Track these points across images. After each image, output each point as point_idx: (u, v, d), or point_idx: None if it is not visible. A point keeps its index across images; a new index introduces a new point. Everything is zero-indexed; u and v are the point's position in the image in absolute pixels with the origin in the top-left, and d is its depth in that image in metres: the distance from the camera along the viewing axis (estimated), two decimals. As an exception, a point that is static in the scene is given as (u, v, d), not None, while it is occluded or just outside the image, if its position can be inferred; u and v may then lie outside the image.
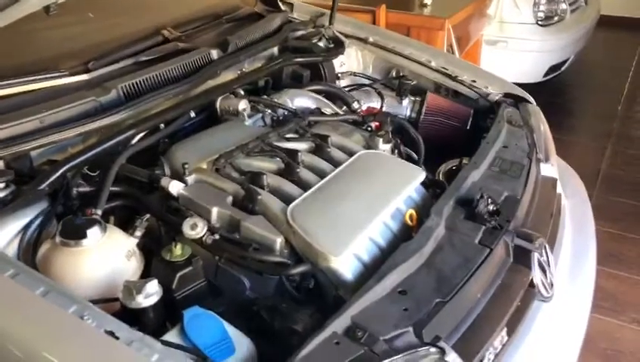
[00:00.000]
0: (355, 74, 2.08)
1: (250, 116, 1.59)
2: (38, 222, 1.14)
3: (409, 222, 1.30)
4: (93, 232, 1.08)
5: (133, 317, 0.99)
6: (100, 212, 1.16)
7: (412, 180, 1.39)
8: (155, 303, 1.01)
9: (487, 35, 3.53)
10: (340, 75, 2.06)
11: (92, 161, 1.28)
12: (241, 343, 1.00)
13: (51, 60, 1.49)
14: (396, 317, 1.05)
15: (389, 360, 0.96)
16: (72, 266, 1.07)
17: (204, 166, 1.33)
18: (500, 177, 1.50)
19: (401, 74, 2.07)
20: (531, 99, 1.94)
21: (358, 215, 1.24)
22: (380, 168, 1.42)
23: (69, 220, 1.11)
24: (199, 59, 1.68)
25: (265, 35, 1.95)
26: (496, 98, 1.90)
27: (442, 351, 1.02)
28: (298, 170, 1.33)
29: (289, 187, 1.29)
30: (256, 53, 1.85)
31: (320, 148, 1.45)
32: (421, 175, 1.42)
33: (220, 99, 1.61)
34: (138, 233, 1.15)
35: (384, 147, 1.54)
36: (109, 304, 1.01)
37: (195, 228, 1.15)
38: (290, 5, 2.29)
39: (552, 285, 1.34)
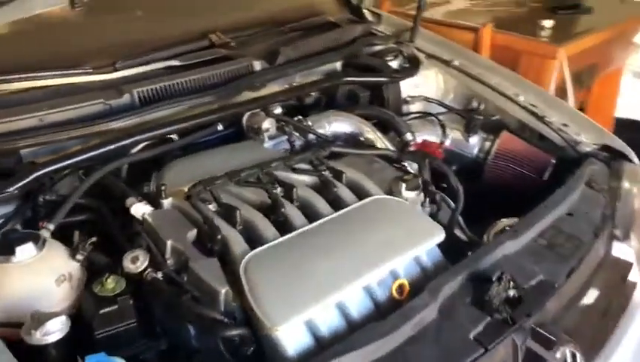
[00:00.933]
0: (427, 99, 1.84)
1: (272, 137, 1.44)
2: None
3: (396, 295, 1.07)
4: (24, 249, 1.00)
5: (34, 352, 0.90)
6: (51, 226, 1.08)
7: (423, 241, 1.16)
8: (56, 341, 0.91)
9: (635, 66, 3.03)
10: (409, 98, 1.84)
11: (77, 168, 1.22)
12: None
13: (83, 56, 1.45)
14: None
15: None
16: (14, 277, 1.01)
17: (186, 190, 1.20)
18: (543, 253, 1.21)
19: (481, 106, 1.80)
20: (634, 157, 1.58)
21: (333, 276, 1.04)
22: (388, 220, 1.20)
23: (5, 233, 1.04)
24: (237, 70, 1.56)
25: (330, 48, 1.79)
26: (587, 149, 1.58)
27: None
28: (284, 209, 1.16)
29: (264, 228, 1.12)
30: (310, 68, 1.69)
31: (326, 185, 1.26)
32: (439, 235, 1.18)
33: (247, 114, 1.47)
34: (79, 256, 1.05)
35: (408, 194, 1.30)
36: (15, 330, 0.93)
37: (135, 262, 1.02)
38: (378, 16, 2.10)
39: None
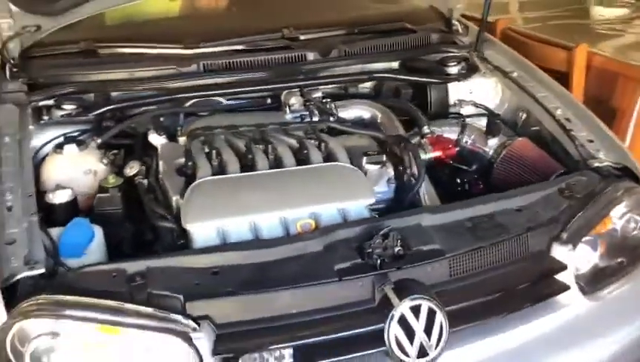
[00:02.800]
0: (475, 104, 1.97)
1: (294, 111, 1.76)
2: (62, 136, 1.62)
3: (299, 229, 1.33)
4: (70, 148, 1.52)
5: (50, 207, 1.39)
6: (98, 140, 1.57)
7: (350, 199, 1.39)
8: (61, 203, 1.39)
9: None
10: (456, 101, 1.98)
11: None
12: (98, 235, 1.33)
13: (182, 36, 1.94)
14: (186, 284, 1.17)
15: (139, 309, 1.12)
16: (49, 163, 1.54)
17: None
18: (458, 231, 1.34)
19: (523, 116, 1.88)
20: None
21: (256, 204, 1.35)
22: (333, 180, 1.46)
23: (67, 137, 1.57)
24: (290, 57, 1.91)
25: (391, 50, 2.04)
26: (598, 165, 1.59)
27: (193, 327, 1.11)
28: (251, 155, 1.49)
29: (231, 166, 1.46)
30: (361, 63, 1.96)
31: (301, 147, 1.55)
32: (367, 199, 1.40)
33: (285, 92, 1.82)
34: (105, 160, 1.53)
35: (368, 166, 1.53)
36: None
37: (130, 169, 1.47)
38: (466, 28, 2.25)
39: (424, 353, 1.19)
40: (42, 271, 1.17)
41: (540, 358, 1.30)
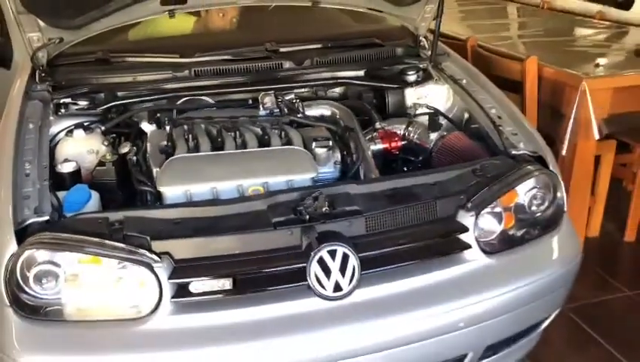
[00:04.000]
0: (427, 106, 2.28)
1: (267, 109, 2.11)
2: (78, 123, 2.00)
3: (250, 193, 1.68)
4: (77, 132, 1.90)
5: (59, 175, 1.77)
6: (102, 127, 1.96)
7: (296, 174, 1.73)
8: (66, 173, 1.76)
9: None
10: (413, 104, 2.29)
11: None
12: (94, 197, 1.68)
13: (181, 48, 2.32)
14: (152, 229, 1.51)
15: (116, 244, 1.46)
16: (61, 144, 1.92)
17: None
18: (378, 198, 1.65)
19: (465, 115, 2.19)
20: (555, 170, 1.84)
21: (218, 175, 1.70)
22: (285, 159, 1.79)
23: (77, 124, 1.95)
24: (269, 65, 2.26)
25: (357, 60, 2.37)
26: (516, 153, 1.89)
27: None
28: (220, 138, 1.84)
29: (204, 146, 1.82)
30: (330, 71, 2.30)
31: (263, 134, 1.90)
32: (309, 174, 1.74)
33: (262, 93, 2.17)
34: (105, 143, 1.90)
35: (317, 150, 1.86)
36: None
37: (123, 148, 1.84)
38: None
39: (338, 288, 1.50)
40: (47, 218, 1.53)
41: (439, 299, 1.59)
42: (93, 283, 1.49)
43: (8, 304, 1.46)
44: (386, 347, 1.55)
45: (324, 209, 1.58)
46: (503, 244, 1.74)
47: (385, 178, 1.76)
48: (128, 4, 2.10)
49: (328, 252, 1.50)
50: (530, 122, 2.64)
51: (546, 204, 1.82)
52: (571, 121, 2.39)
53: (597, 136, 2.38)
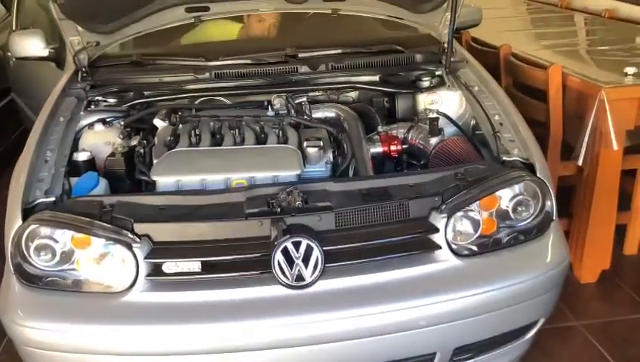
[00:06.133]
0: (438, 112, 2.30)
1: (275, 110, 2.22)
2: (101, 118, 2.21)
3: (233, 185, 1.80)
4: (97, 125, 2.11)
5: (76, 163, 1.97)
6: (122, 122, 2.15)
7: (281, 170, 1.84)
8: (80, 161, 1.95)
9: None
10: (424, 109, 2.32)
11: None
12: (102, 184, 1.87)
13: (205, 52, 2.49)
14: (138, 213, 1.66)
15: (103, 224, 1.62)
16: (83, 136, 2.12)
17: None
18: (352, 196, 1.72)
19: (472, 121, 2.20)
20: (545, 179, 1.83)
21: (209, 168, 1.83)
22: (276, 157, 1.90)
23: (100, 119, 2.15)
24: (285, 69, 2.38)
25: (373, 66, 2.43)
26: (506, 158, 1.90)
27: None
28: (218, 135, 1.98)
29: (205, 141, 1.96)
30: (344, 76, 2.38)
31: (262, 132, 2.01)
32: (294, 171, 1.84)
33: (274, 95, 2.29)
34: (121, 136, 2.08)
35: (309, 150, 1.94)
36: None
37: (132, 141, 2.01)
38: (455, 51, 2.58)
39: (301, 278, 1.58)
40: (53, 199, 1.73)
41: (403, 296, 1.63)
42: (83, 258, 1.66)
43: (13, 271, 1.66)
44: (345, 338, 1.62)
45: (297, 203, 1.67)
46: (482, 248, 1.75)
47: (364, 178, 1.83)
48: (155, 11, 2.31)
49: (293, 243, 1.59)
50: (556, 131, 2.62)
51: (533, 211, 1.81)
52: (588, 130, 2.32)
53: (615, 147, 2.29)
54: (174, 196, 1.74)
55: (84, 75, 2.38)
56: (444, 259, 1.69)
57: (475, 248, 1.75)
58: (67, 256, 1.66)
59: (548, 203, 1.81)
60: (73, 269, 1.67)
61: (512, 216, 1.80)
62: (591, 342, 2.35)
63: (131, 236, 1.62)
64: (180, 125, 2.07)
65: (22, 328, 1.63)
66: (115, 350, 1.60)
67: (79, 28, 2.32)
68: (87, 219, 1.64)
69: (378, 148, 2.12)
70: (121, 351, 1.60)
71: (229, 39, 2.74)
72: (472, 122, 2.22)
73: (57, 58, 2.79)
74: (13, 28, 3.75)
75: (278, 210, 1.65)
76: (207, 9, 2.35)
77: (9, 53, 3.73)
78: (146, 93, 2.35)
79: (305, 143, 1.96)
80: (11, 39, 2.74)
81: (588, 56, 3.16)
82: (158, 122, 2.13)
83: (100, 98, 2.30)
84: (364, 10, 2.49)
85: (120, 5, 2.30)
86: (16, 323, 1.64)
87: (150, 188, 1.88)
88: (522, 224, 1.80)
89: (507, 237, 1.79)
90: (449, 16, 2.41)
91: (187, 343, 1.59)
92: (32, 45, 2.70)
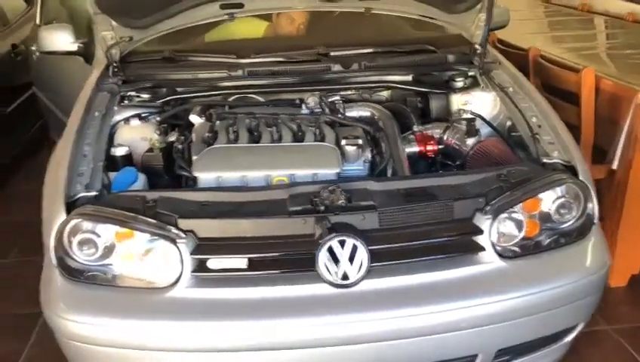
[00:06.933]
0: (472, 113, 2.29)
1: (309, 108, 2.21)
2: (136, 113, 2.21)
3: (274, 182, 1.80)
4: (133, 121, 2.11)
5: (113, 158, 1.97)
6: (158, 118, 2.15)
7: (321, 169, 1.83)
8: (118, 156, 1.95)
9: None
10: (458, 110, 2.32)
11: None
12: (141, 179, 1.87)
13: (238, 49, 2.48)
14: (182, 209, 1.65)
15: (147, 220, 1.62)
16: (119, 131, 2.12)
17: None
18: (394, 196, 1.71)
19: (508, 122, 2.19)
20: (587, 182, 1.82)
21: (249, 165, 1.83)
22: (315, 154, 1.89)
23: (136, 115, 2.15)
24: (318, 68, 2.37)
25: (406, 65, 2.42)
26: (547, 161, 1.88)
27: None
28: (256, 133, 1.98)
29: (242, 138, 1.96)
30: (377, 75, 2.37)
31: (299, 130, 2.01)
32: (333, 170, 1.83)
33: (308, 94, 2.28)
34: (158, 132, 2.08)
35: (346, 148, 1.94)
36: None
37: (170, 137, 2.01)
38: (487, 52, 2.57)
39: (346, 277, 1.58)
40: (95, 193, 1.73)
41: (447, 297, 1.63)
42: (126, 253, 1.66)
43: (56, 264, 1.66)
44: (389, 338, 1.61)
45: (340, 202, 1.66)
46: (525, 250, 1.74)
47: (405, 177, 1.82)
48: (190, 7, 2.30)
49: (339, 242, 1.58)
50: (587, 134, 2.61)
51: (575, 213, 1.80)
52: (624, 134, 2.31)
53: (649, 153, 2.29)
54: (216, 192, 1.73)
55: (115, 70, 2.37)
56: (489, 261, 1.69)
57: (517, 250, 1.74)
58: (109, 251, 1.66)
59: (589, 205, 1.81)
60: (114, 264, 1.67)
61: (553, 218, 1.79)
62: (623, 346, 2.34)
63: (176, 231, 1.62)
64: (217, 122, 2.07)
65: (65, 321, 1.63)
66: (160, 346, 1.60)
67: (113, 22, 2.31)
68: (132, 214, 1.64)
69: (414, 148, 2.11)
70: (166, 346, 1.60)
71: (259, 37, 2.73)
72: (508, 123, 2.22)
73: (86, 53, 2.79)
74: (37, 22, 3.75)
75: (322, 208, 1.64)
76: (241, 6, 2.35)
77: (33, 47, 3.75)
78: (178, 89, 2.34)
79: (343, 141, 1.96)
80: (40, 33, 2.74)
81: (614, 59, 3.15)
82: (195, 118, 2.12)
83: (133, 93, 2.30)
84: (397, 9, 2.48)
85: (156, 1, 2.29)
86: (59, 317, 1.64)
87: (190, 183, 1.87)
88: (564, 226, 1.80)
89: (548, 240, 1.78)
90: (481, 17, 2.42)
91: (232, 340, 1.58)
92: (60, 39, 2.71)
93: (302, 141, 1.98)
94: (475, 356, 1.73)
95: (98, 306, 1.63)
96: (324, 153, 1.90)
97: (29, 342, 2.46)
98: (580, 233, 1.80)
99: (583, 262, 1.78)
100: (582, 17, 4.42)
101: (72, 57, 2.81)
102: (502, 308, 1.65)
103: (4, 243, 3.20)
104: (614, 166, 2.38)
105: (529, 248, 1.76)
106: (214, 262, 1.61)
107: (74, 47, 2.72)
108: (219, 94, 2.30)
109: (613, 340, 2.37)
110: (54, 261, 1.66)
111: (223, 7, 2.34)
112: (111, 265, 1.67)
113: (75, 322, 1.62)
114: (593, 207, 1.81)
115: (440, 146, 2.15)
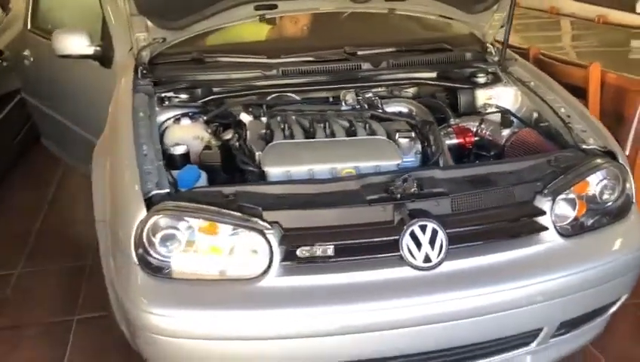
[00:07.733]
0: (497, 106, 2.43)
1: (348, 105, 2.29)
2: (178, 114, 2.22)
3: (343, 174, 1.87)
4: (183, 121, 2.13)
5: (171, 156, 1.99)
6: (205, 117, 2.17)
7: (382, 161, 1.91)
8: (178, 154, 1.97)
9: None
10: (483, 104, 2.45)
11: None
12: (203, 176, 1.90)
13: (270, 50, 2.53)
14: (261, 201, 1.70)
15: (232, 213, 1.65)
16: (170, 130, 2.15)
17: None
18: (460, 182, 1.82)
19: (534, 115, 2.34)
20: (624, 163, 1.96)
21: (314, 159, 1.89)
22: (372, 148, 1.97)
23: (183, 113, 2.16)
24: (349, 66, 2.45)
25: (429, 63, 2.54)
26: (586, 147, 2.02)
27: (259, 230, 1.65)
28: (311, 129, 2.04)
29: (297, 134, 2.01)
30: (405, 73, 2.48)
31: (350, 125, 2.08)
32: (394, 161, 1.91)
33: (344, 91, 2.36)
34: (209, 130, 2.11)
35: (400, 140, 2.03)
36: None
37: (225, 135, 2.05)
38: (498, 50, 2.72)
39: (428, 260, 1.66)
40: (168, 190, 1.74)
41: (519, 274, 1.74)
42: (209, 246, 1.68)
43: (137, 262, 1.66)
44: (469, 315, 1.70)
45: (412, 190, 1.75)
46: (576, 230, 1.88)
47: (466, 165, 1.92)
48: (226, 8, 2.33)
49: (420, 226, 1.67)
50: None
51: (616, 194, 1.95)
52: (634, 126, 2.50)
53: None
54: (292, 184, 1.78)
55: (144, 72, 2.37)
56: (552, 240, 1.81)
57: (572, 229, 1.87)
58: (191, 246, 1.68)
59: (628, 185, 1.97)
60: (197, 258, 1.69)
61: (598, 199, 1.94)
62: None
63: (263, 223, 1.66)
64: (269, 119, 2.12)
65: (151, 316, 1.63)
66: (252, 335, 1.63)
67: (149, 24, 2.32)
68: (215, 208, 1.67)
69: (453, 140, 2.22)
70: (259, 335, 1.63)
71: (286, 38, 2.78)
72: (535, 115, 2.36)
73: (102, 57, 2.77)
74: (29, 27, 3.65)
75: (398, 196, 1.72)
76: (275, 7, 2.40)
77: (25, 53, 3.66)
78: (214, 89, 2.37)
79: (397, 134, 2.05)
80: (54, 37, 2.71)
81: (602, 56, 3.37)
82: (244, 116, 2.16)
83: (170, 94, 2.31)
84: (420, 10, 2.60)
85: (193, 2, 2.31)
86: (144, 311, 1.64)
87: (252, 179, 1.91)
88: (607, 206, 1.95)
89: (592, 220, 1.93)
90: (496, 17, 2.57)
91: (325, 324, 1.63)
92: (75, 43, 2.69)
93: (354, 135, 2.05)
94: (541, 329, 1.85)
95: (187, 299, 1.65)
96: (382, 146, 1.98)
97: (67, 350, 2.41)
98: (620, 212, 1.96)
99: (628, 238, 1.93)
100: (549, 20, 4.67)
101: (84, 61, 2.79)
102: (565, 283, 1.78)
103: (10, 254, 3.10)
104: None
105: (580, 227, 1.90)
106: (302, 251, 1.66)
107: (90, 50, 2.71)
108: (257, 93, 2.34)
109: (634, 315, 2.54)
110: (135, 258, 1.67)
111: (257, 8, 2.39)
112: (193, 259, 1.69)
113: (161, 316, 1.63)
114: (631, 187, 1.98)
115: (476, 138, 2.27)
